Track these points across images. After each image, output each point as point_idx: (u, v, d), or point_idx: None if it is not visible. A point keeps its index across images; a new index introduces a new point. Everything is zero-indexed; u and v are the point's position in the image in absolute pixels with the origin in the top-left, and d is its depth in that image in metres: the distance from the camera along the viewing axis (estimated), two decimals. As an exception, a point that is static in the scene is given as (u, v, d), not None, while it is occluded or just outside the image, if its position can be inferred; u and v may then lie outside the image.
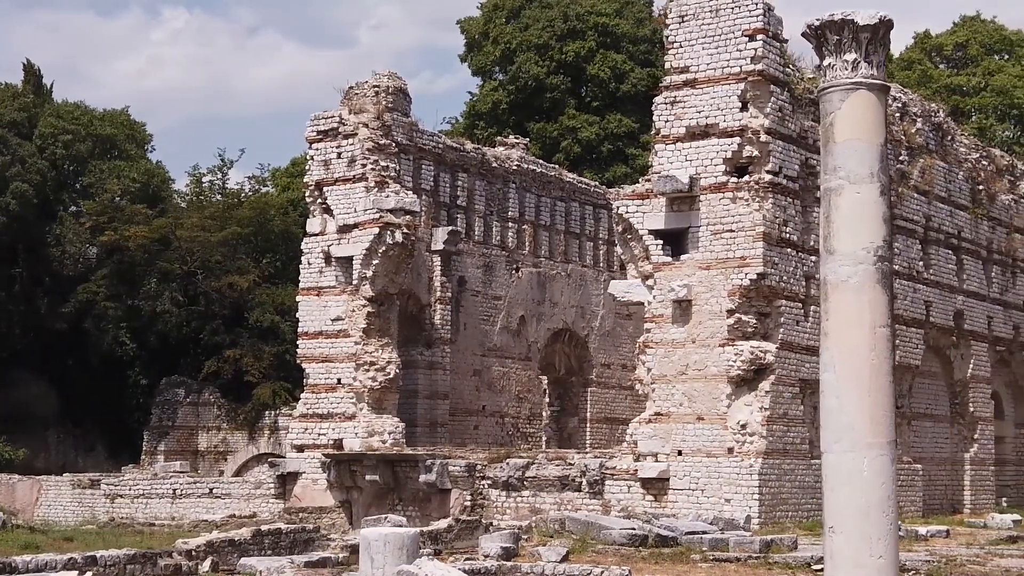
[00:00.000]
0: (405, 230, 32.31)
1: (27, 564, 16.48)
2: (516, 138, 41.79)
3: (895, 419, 11.05)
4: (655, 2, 57.93)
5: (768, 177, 26.41)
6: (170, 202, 55.65)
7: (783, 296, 26.74)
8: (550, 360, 40.54)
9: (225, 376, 46.59)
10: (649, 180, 27.49)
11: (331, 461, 31.83)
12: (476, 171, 37.31)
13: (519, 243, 38.85)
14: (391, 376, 32.21)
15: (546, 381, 40.76)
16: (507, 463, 28.94)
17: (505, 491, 28.76)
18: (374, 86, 33.40)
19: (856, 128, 10.97)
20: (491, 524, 23.61)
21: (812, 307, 27.09)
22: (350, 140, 32.92)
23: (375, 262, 32.21)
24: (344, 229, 32.72)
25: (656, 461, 26.59)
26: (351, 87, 33.66)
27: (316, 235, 33.34)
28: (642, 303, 27.74)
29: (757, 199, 26.34)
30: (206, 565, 19.23)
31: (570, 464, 28.11)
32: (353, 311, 32.42)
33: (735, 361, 26.11)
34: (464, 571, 15.68)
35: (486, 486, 29.06)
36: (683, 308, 26.82)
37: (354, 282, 32.45)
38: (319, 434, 32.66)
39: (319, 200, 33.30)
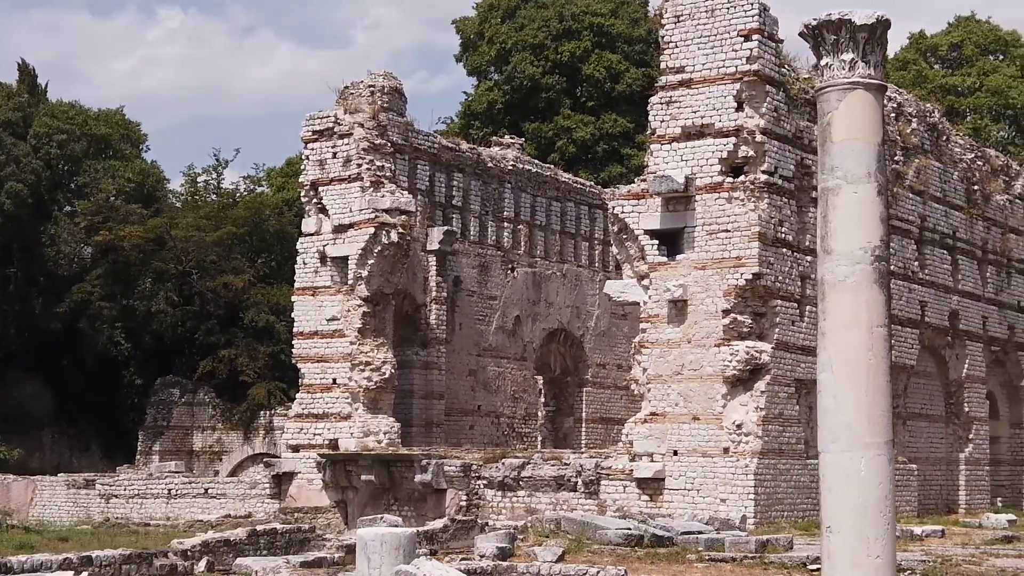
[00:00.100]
0: (400, 230, 32.29)
1: (23, 564, 16.45)
2: (511, 138, 41.78)
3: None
4: (650, 2, 58.03)
5: (764, 177, 26.41)
6: (165, 202, 55.61)
7: (778, 296, 26.75)
8: (545, 360, 40.53)
9: (220, 376, 46.56)
10: (645, 180, 27.49)
11: (326, 461, 31.82)
12: (471, 171, 37.30)
13: (514, 243, 38.85)
14: (386, 376, 32.19)
15: (541, 381, 40.75)
16: (503, 463, 28.93)
17: (501, 491, 28.75)
18: (369, 86, 33.38)
19: (853, 128, 10.96)
20: (487, 524, 23.59)
21: (808, 307, 27.12)
22: (345, 140, 32.90)
23: (370, 262, 32.20)
24: (339, 229, 32.71)
25: (652, 461, 26.59)
26: (346, 87, 33.64)
27: (311, 235, 33.32)
28: (638, 303, 27.74)
29: (753, 199, 26.34)
30: (202, 565, 19.21)
31: (566, 464, 28.10)
32: (348, 311, 32.40)
33: (731, 361, 26.12)
34: (460, 571, 15.65)
35: (482, 486, 29.05)
36: (679, 308, 26.82)
37: (349, 282, 32.43)
38: (314, 434, 32.63)
39: (314, 200, 33.29)
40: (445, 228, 35.40)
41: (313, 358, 32.98)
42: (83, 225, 50.31)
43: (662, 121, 27.30)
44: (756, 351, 26.14)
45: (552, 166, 42.42)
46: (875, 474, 10.65)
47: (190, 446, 46.21)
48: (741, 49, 26.53)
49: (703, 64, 26.92)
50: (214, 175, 55.68)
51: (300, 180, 34.29)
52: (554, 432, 40.75)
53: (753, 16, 26.51)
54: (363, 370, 32.04)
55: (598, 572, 16.47)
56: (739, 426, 25.84)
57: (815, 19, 11.15)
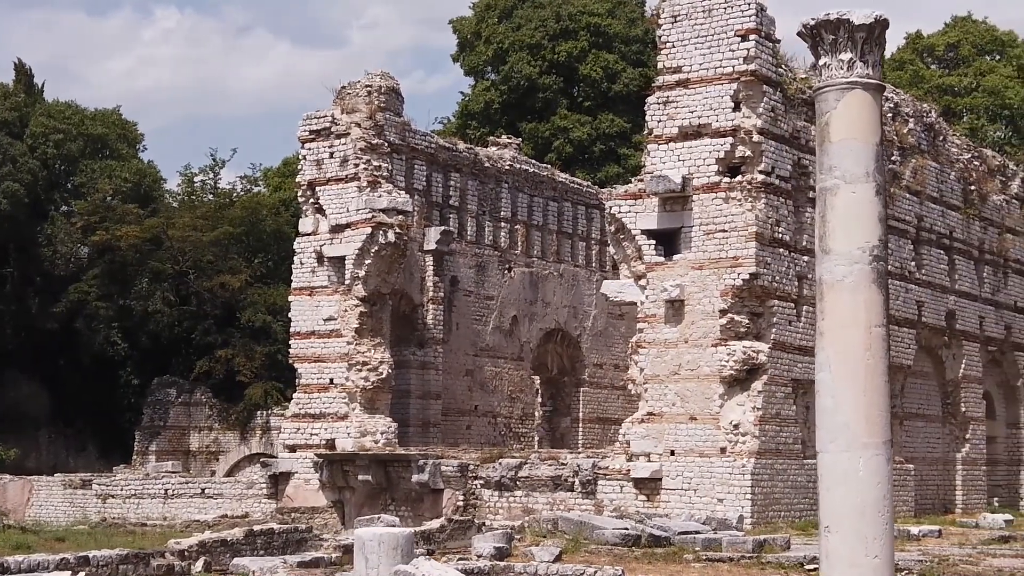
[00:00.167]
0: (397, 230, 32.28)
1: (19, 564, 16.42)
2: (508, 138, 41.77)
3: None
4: (647, 2, 58.03)
5: (761, 177, 26.42)
6: (162, 202, 55.57)
7: (775, 296, 26.76)
8: (542, 360, 40.52)
9: (217, 376, 46.54)
10: (642, 180, 27.49)
11: (323, 461, 31.80)
12: (468, 171, 37.29)
13: (511, 243, 38.83)
14: (383, 376, 32.18)
15: (538, 381, 40.74)
16: (500, 463, 28.92)
17: (498, 491, 28.75)
18: (366, 86, 33.37)
19: (852, 127, 10.95)
20: (484, 524, 23.58)
21: (804, 307, 27.13)
22: (342, 140, 32.89)
23: (367, 262, 32.18)
24: (336, 229, 32.69)
25: (649, 461, 26.59)
26: (343, 87, 33.64)
27: (308, 235, 33.31)
28: (635, 303, 27.74)
29: (750, 199, 26.35)
30: (199, 565, 19.18)
31: (563, 464, 28.10)
32: (345, 311, 32.38)
33: (728, 361, 26.12)
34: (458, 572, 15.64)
35: (479, 486, 29.05)
36: (676, 308, 26.83)
37: (346, 282, 32.42)
38: (311, 434, 32.62)
39: (311, 200, 33.27)
40: (442, 228, 35.38)
41: (310, 358, 32.97)
42: (79, 225, 50.27)
43: (659, 121, 27.30)
44: (753, 351, 26.15)
45: (549, 166, 42.40)
46: (873, 474, 10.64)
47: (187, 446, 46.17)
48: (738, 49, 26.54)
49: (700, 64, 26.92)
50: (211, 175, 55.73)
51: (297, 180, 34.29)
52: (551, 432, 40.73)
53: (750, 16, 26.52)
54: (360, 370, 32.02)
55: (595, 572, 16.46)
56: (736, 426, 25.84)
57: (813, 19, 11.14)
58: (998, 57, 57.76)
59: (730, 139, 26.47)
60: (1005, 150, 45.90)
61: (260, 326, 47.08)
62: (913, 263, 32.22)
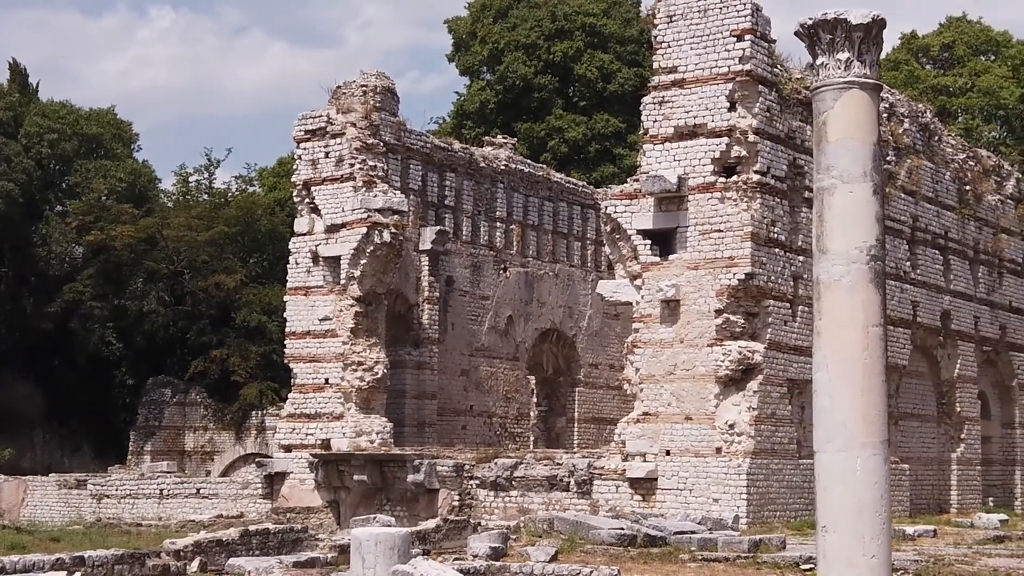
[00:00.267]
0: (393, 230, 32.27)
1: (15, 564, 16.41)
2: (504, 138, 41.74)
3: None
4: (643, 2, 58.01)
5: (756, 177, 26.43)
6: (156, 202, 55.55)
7: (771, 296, 26.76)
8: (538, 360, 40.52)
9: (212, 376, 46.50)
10: (637, 180, 27.49)
11: (319, 461, 31.77)
12: (464, 171, 37.27)
13: (507, 243, 38.83)
14: (379, 376, 32.16)
15: (534, 381, 40.74)
16: (495, 463, 28.91)
17: (493, 491, 28.73)
18: (362, 86, 33.35)
19: (849, 127, 10.95)
20: (479, 524, 23.61)
21: (800, 307, 27.15)
22: (338, 140, 32.87)
23: (363, 262, 32.17)
24: (332, 229, 32.67)
25: (644, 461, 26.59)
26: (339, 87, 33.62)
27: (304, 235, 33.29)
28: (630, 303, 27.73)
29: (745, 199, 26.35)
30: (194, 565, 19.18)
31: (558, 464, 28.09)
32: (341, 311, 32.36)
33: (723, 361, 26.12)
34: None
35: (474, 486, 29.03)
36: (671, 308, 26.82)
37: (342, 282, 32.40)
38: (307, 434, 32.60)
39: (307, 200, 33.25)
40: (437, 228, 35.38)
41: (305, 358, 32.94)
42: (74, 225, 50.21)
43: (655, 121, 27.30)
44: (749, 351, 26.15)
45: (544, 166, 42.42)
46: (870, 474, 10.66)
47: (182, 446, 46.12)
48: (734, 49, 26.54)
49: (695, 64, 26.93)
50: (206, 175, 55.66)
51: (292, 180, 34.26)
52: (547, 432, 40.74)
53: (745, 16, 26.53)
54: (355, 370, 32.00)
55: (591, 572, 16.47)
56: (732, 426, 25.85)
57: (811, 19, 11.14)
58: (993, 57, 57.83)
59: (726, 139, 26.48)
60: (1000, 150, 45.96)
61: (255, 326, 47.04)
62: (908, 263, 32.24)
